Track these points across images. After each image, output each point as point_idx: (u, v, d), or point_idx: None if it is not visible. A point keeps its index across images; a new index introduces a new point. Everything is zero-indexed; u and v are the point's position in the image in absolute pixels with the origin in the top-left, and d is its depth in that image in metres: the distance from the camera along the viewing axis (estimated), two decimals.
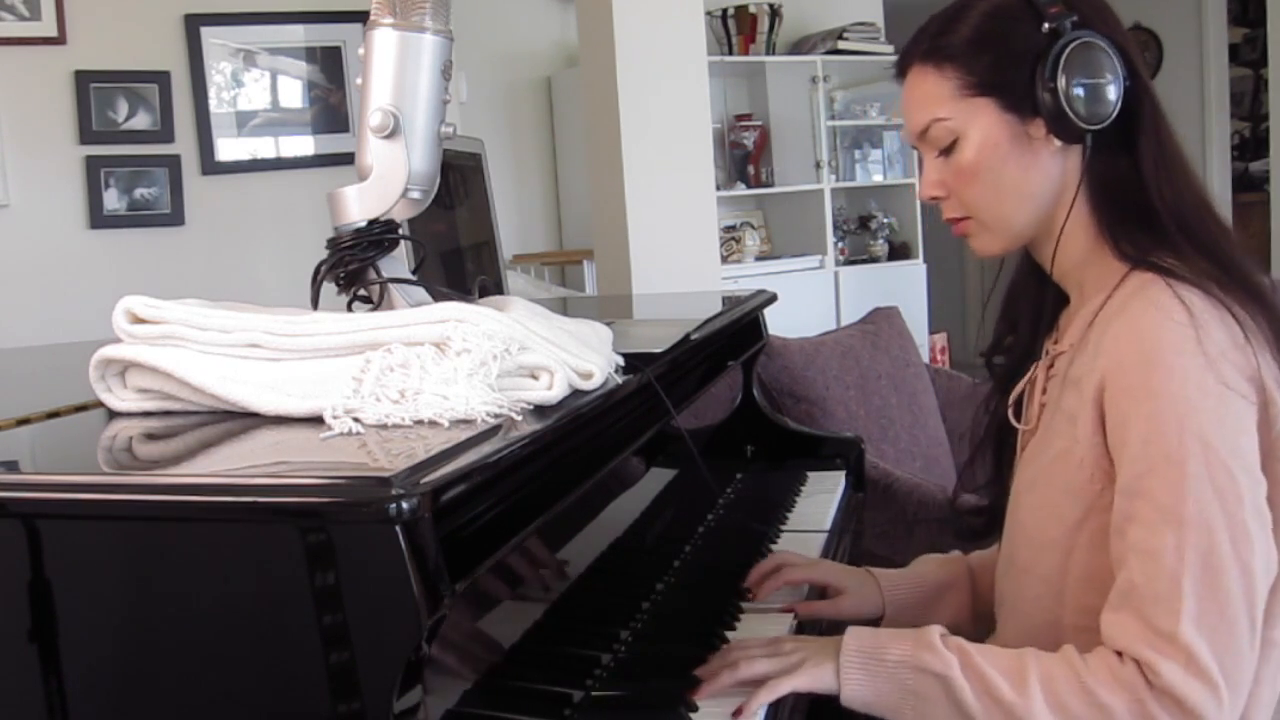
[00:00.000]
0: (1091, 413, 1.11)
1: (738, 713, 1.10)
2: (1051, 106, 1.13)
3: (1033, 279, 1.29)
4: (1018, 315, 1.33)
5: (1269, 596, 1.07)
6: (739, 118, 5.10)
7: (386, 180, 1.13)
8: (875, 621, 1.39)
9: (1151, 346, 1.07)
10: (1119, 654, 1.05)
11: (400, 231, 1.15)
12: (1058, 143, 1.15)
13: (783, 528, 1.74)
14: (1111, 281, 1.15)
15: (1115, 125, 1.14)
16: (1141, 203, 1.15)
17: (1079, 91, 1.12)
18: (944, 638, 1.12)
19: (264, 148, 4.00)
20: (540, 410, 1.04)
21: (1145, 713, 1.02)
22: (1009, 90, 1.15)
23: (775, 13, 4.96)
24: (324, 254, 1.15)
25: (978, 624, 1.39)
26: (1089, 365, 1.12)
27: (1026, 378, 1.26)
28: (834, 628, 1.25)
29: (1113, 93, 1.13)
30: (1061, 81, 1.11)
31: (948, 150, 1.19)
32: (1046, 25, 1.13)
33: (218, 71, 3.91)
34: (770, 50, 5.01)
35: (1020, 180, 1.17)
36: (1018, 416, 1.27)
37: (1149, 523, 1.05)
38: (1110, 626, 1.06)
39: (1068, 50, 1.12)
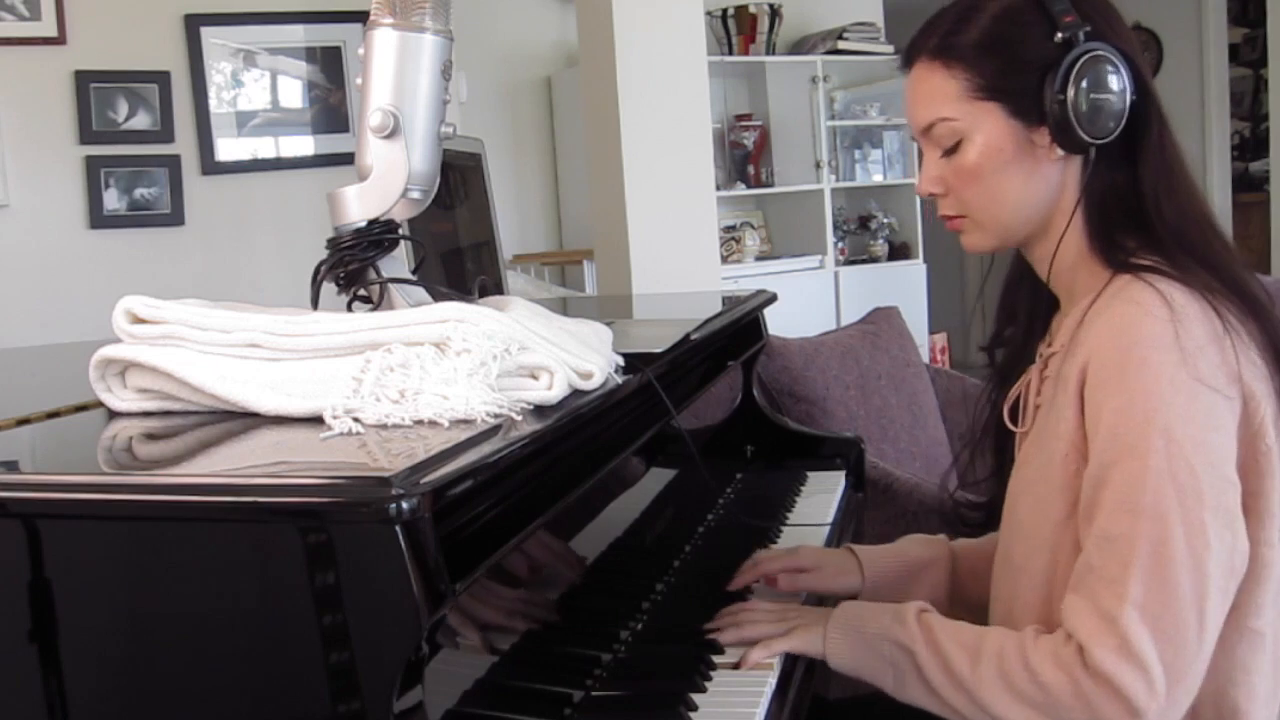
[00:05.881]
0: (1074, 406, 1.13)
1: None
2: (1058, 117, 1.13)
3: (1027, 276, 1.30)
4: (1016, 306, 1.34)
5: (1253, 588, 1.10)
6: (739, 118, 5.10)
7: (386, 180, 1.12)
8: (856, 593, 1.44)
9: (1129, 340, 1.08)
10: (1068, 635, 1.08)
11: (400, 231, 1.15)
12: (1060, 152, 1.16)
13: (783, 528, 1.74)
14: (1098, 285, 1.16)
15: (1119, 138, 1.15)
16: (1138, 215, 1.16)
17: (1086, 104, 1.12)
18: (921, 614, 1.18)
19: (264, 148, 4.01)
20: (540, 410, 1.04)
21: (1080, 692, 1.05)
22: (1016, 97, 1.16)
23: (775, 13, 4.96)
24: (324, 254, 1.14)
25: (954, 605, 1.42)
26: (1075, 361, 1.14)
27: (1022, 381, 1.27)
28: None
29: (1119, 107, 1.13)
30: (1070, 93, 1.12)
31: (950, 150, 1.19)
32: (1060, 35, 1.13)
33: (218, 71, 3.91)
34: (770, 50, 5.01)
35: (1020, 186, 1.18)
36: (1014, 420, 1.28)
37: (1109, 509, 1.07)
38: (1065, 607, 1.09)
39: (1079, 63, 1.12)
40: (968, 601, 1.40)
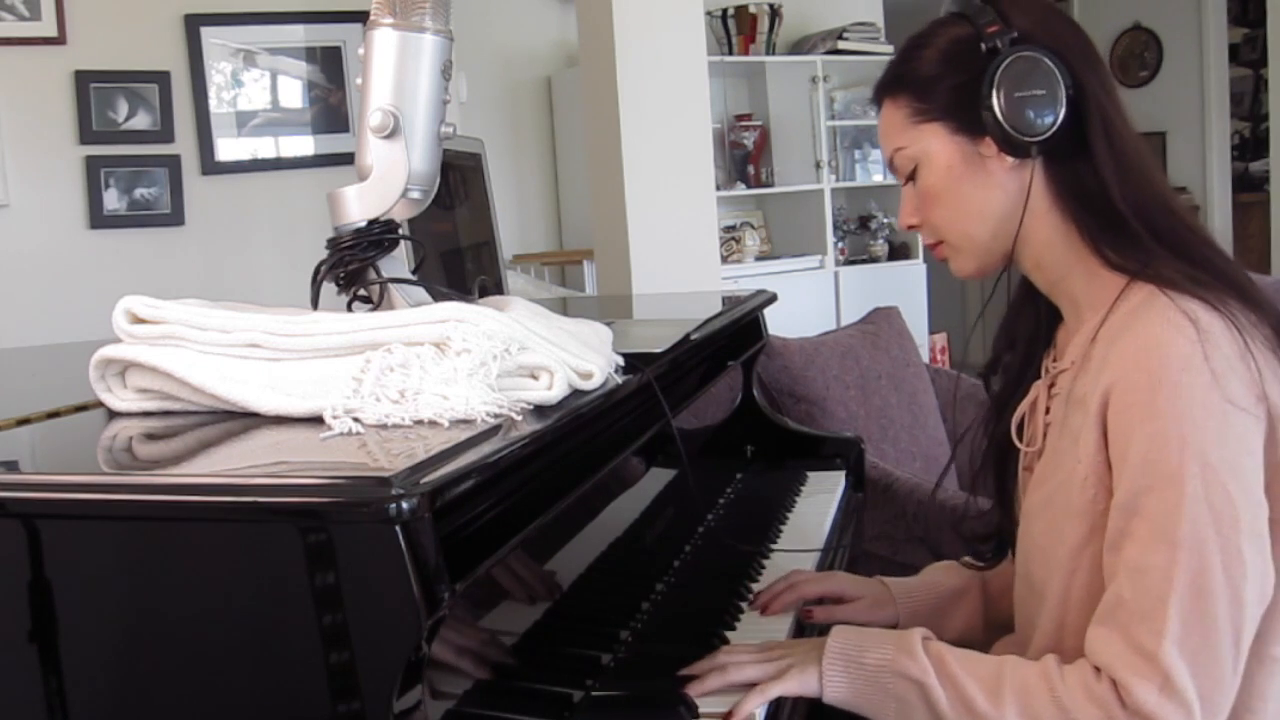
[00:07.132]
0: (1095, 430, 1.09)
1: (728, 716, 1.11)
2: (993, 124, 1.14)
3: (1032, 299, 1.28)
4: (1017, 334, 1.32)
5: (1274, 614, 1.07)
6: (739, 118, 5.10)
7: (386, 180, 1.13)
8: (893, 627, 1.38)
9: (1158, 363, 1.05)
10: (1097, 669, 1.05)
11: (400, 231, 1.15)
12: (1011, 159, 1.16)
13: (782, 528, 1.74)
14: (1107, 295, 1.15)
15: (1067, 134, 1.14)
16: (1108, 208, 1.15)
17: (1017, 106, 1.13)
18: (925, 642, 1.13)
19: (264, 148, 4.01)
20: (540, 410, 1.04)
21: None
22: (955, 113, 1.17)
23: (775, 13, 4.96)
24: (324, 254, 1.15)
25: (990, 631, 1.39)
26: (1093, 382, 1.11)
27: (1028, 398, 1.25)
28: None
29: (1052, 103, 1.13)
30: (999, 99, 1.13)
31: (912, 177, 1.21)
32: (984, 46, 1.15)
33: (218, 71, 3.91)
34: (770, 50, 5.02)
35: (979, 199, 1.18)
36: (1020, 436, 1.26)
37: (1143, 540, 1.04)
38: (1093, 641, 1.06)
39: (1001, 68, 1.13)
40: (1004, 624, 1.35)
